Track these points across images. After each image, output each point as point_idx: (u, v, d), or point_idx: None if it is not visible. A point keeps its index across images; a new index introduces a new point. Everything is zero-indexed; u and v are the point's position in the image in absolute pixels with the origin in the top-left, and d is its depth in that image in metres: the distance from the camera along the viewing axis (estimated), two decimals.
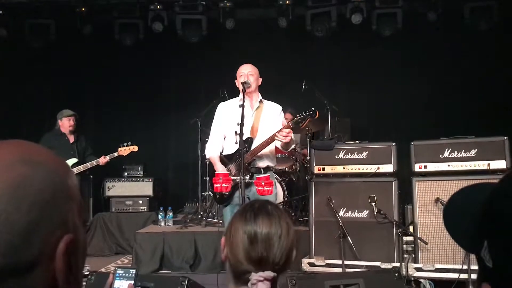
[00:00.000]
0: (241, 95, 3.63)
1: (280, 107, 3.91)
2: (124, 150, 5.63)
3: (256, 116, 3.74)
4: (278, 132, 3.45)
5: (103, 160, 5.55)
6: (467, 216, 0.71)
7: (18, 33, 6.97)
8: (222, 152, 3.78)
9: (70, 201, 0.66)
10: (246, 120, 3.56)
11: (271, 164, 3.73)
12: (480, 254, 0.65)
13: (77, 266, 0.66)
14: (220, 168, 3.60)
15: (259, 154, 3.59)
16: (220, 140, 3.79)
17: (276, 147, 3.81)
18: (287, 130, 3.44)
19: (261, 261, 1.31)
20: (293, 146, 3.80)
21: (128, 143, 5.65)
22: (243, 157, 3.36)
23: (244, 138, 3.48)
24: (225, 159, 3.68)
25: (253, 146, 3.60)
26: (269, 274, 1.29)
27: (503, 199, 0.65)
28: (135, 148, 5.67)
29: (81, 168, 5.55)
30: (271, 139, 3.52)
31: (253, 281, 1.29)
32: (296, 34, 7.13)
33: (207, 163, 6.32)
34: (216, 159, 3.68)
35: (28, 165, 0.63)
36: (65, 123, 5.75)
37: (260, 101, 3.79)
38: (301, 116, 3.54)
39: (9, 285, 0.58)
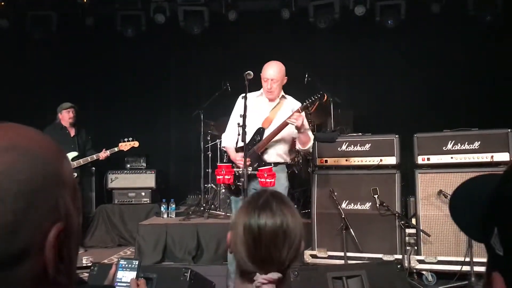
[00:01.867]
0: (260, 91, 3.77)
1: (300, 104, 3.91)
2: (124, 145, 5.64)
3: (274, 109, 3.78)
4: (288, 118, 3.51)
5: (103, 154, 5.56)
6: (474, 205, 0.69)
7: (19, 24, 6.95)
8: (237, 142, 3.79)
9: (62, 188, 0.62)
10: (262, 112, 3.70)
11: (282, 161, 3.77)
12: (490, 242, 0.63)
13: (69, 255, 0.62)
14: (234, 156, 3.66)
15: (276, 148, 3.66)
16: (236, 131, 3.79)
17: (293, 144, 3.84)
18: (297, 113, 3.49)
19: (264, 261, 1.25)
20: (311, 144, 3.80)
21: (129, 139, 5.66)
22: (245, 149, 3.37)
23: (255, 128, 3.62)
24: (239, 150, 3.69)
25: (264, 136, 3.66)
26: (273, 276, 1.23)
27: None
28: (135, 144, 5.67)
29: (81, 162, 5.57)
30: (283, 126, 3.57)
31: (257, 283, 1.23)
32: (299, 26, 7.09)
33: (210, 155, 6.33)
34: (231, 149, 3.73)
35: (16, 152, 0.59)
36: (65, 116, 5.74)
37: (282, 97, 3.82)
38: (310, 100, 3.59)
39: None
